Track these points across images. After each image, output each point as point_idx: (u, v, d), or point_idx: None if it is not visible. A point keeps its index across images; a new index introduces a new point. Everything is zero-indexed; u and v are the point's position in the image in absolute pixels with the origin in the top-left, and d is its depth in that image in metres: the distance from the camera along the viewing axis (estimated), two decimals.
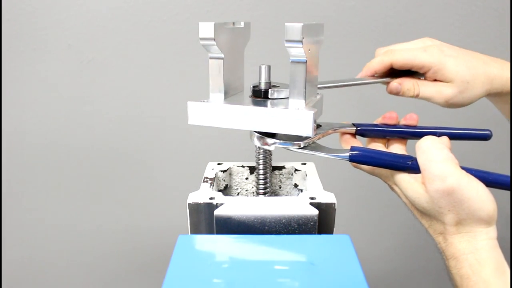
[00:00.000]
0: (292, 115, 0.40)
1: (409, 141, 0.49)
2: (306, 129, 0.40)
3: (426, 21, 0.81)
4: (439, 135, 0.46)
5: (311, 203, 0.39)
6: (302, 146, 0.44)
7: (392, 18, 0.81)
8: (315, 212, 0.38)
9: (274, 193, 0.53)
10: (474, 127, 0.49)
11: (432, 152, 0.41)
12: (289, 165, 0.51)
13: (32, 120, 0.90)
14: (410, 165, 0.42)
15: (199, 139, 0.90)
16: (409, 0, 0.80)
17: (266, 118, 0.41)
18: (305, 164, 0.51)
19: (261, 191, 0.48)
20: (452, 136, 0.48)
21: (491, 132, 0.47)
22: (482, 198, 0.39)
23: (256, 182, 0.48)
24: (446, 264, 0.41)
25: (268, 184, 0.48)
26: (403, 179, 0.43)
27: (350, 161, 0.44)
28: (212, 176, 0.48)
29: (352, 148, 0.44)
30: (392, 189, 0.46)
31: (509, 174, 0.45)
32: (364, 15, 0.81)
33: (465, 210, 0.39)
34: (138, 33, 0.83)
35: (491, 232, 0.39)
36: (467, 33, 0.82)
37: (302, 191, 0.49)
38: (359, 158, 0.43)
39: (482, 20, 0.81)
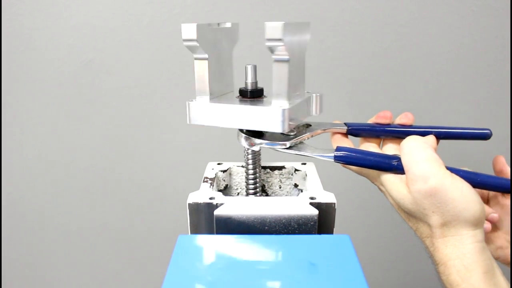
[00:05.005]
0: (264, 112, 0.41)
1: None
2: (276, 126, 0.40)
3: (426, 21, 0.81)
4: (435, 134, 0.46)
5: (311, 203, 0.39)
6: (288, 146, 0.44)
7: (392, 18, 0.81)
8: (315, 212, 0.38)
9: (274, 193, 0.53)
10: (474, 126, 0.49)
11: (415, 152, 0.40)
12: (289, 165, 0.51)
13: (31, 120, 0.90)
14: (395, 166, 0.41)
15: (199, 139, 0.90)
16: (409, 1, 0.80)
17: (243, 116, 0.42)
18: (305, 164, 0.51)
19: (251, 191, 0.48)
20: (451, 136, 0.47)
21: (491, 132, 0.47)
22: (467, 198, 0.37)
23: (246, 183, 0.48)
24: (436, 270, 0.40)
25: (258, 184, 0.48)
26: (388, 179, 0.42)
27: (334, 161, 0.43)
28: (212, 176, 0.48)
29: (338, 148, 0.43)
30: (380, 189, 0.46)
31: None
32: (364, 15, 0.81)
33: (449, 212, 0.38)
34: (138, 33, 0.83)
35: (479, 235, 0.38)
36: (467, 33, 0.82)
37: (302, 191, 0.49)
38: (344, 158, 0.43)
39: (482, 20, 0.81)
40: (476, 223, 0.38)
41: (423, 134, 0.45)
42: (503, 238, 0.47)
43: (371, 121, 0.50)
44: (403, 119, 0.48)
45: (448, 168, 0.39)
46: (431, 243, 0.40)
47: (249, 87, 0.45)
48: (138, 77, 0.86)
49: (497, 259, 0.47)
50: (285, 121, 0.40)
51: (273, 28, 0.37)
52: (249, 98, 0.45)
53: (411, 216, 0.42)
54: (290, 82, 0.41)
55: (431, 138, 0.44)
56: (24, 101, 0.88)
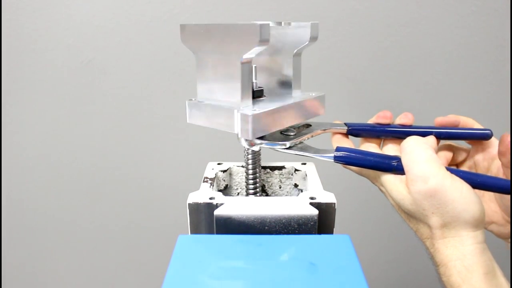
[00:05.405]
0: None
1: None
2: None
3: (426, 21, 0.81)
4: (435, 135, 0.46)
5: (311, 203, 0.39)
6: (288, 146, 0.44)
7: (392, 18, 0.81)
8: (315, 212, 0.38)
9: (274, 193, 0.53)
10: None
11: (415, 152, 0.40)
12: (289, 165, 0.51)
13: (31, 120, 0.90)
14: (395, 166, 0.41)
15: (199, 139, 0.90)
16: (409, 1, 0.80)
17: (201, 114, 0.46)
18: (305, 164, 0.51)
19: (251, 191, 0.48)
20: (451, 136, 0.47)
21: (491, 132, 0.47)
22: (467, 199, 0.37)
23: (246, 183, 0.48)
24: (436, 271, 0.40)
25: (258, 184, 0.48)
26: (388, 180, 0.42)
27: (334, 161, 0.43)
28: (212, 176, 0.48)
29: (337, 149, 0.43)
30: (380, 190, 0.46)
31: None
32: (364, 15, 0.81)
33: (449, 212, 0.37)
34: (138, 33, 0.83)
35: (479, 236, 0.38)
36: (467, 33, 0.82)
37: (302, 191, 0.49)
38: (344, 158, 0.43)
39: (482, 20, 0.81)
40: (476, 224, 0.38)
41: (423, 134, 0.45)
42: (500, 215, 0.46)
43: (371, 121, 0.50)
44: (403, 119, 0.48)
45: (448, 168, 0.39)
46: (431, 244, 0.40)
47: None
48: (138, 77, 0.86)
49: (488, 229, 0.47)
50: (188, 112, 0.47)
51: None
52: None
53: (411, 217, 0.42)
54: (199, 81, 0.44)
55: (431, 139, 0.44)
56: (24, 101, 0.88)
